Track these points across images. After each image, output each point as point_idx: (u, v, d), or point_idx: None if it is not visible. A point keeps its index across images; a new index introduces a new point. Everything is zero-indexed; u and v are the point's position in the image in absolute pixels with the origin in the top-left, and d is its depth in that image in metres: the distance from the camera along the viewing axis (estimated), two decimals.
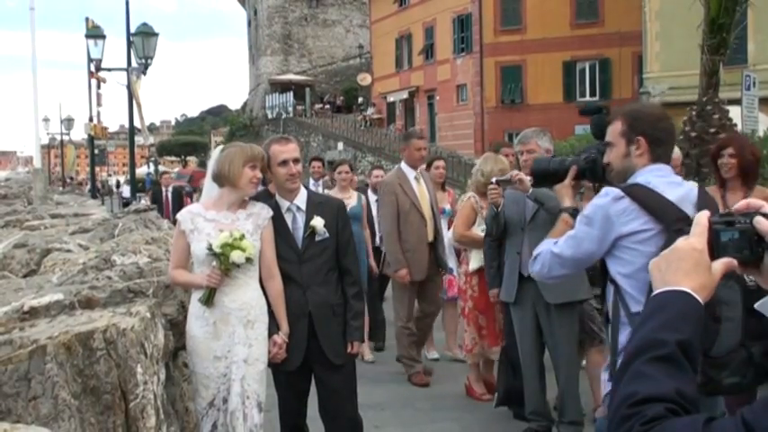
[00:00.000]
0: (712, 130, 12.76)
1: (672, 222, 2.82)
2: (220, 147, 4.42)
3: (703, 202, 2.98)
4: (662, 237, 2.85)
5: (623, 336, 2.94)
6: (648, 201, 2.91)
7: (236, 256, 3.95)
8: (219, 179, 4.14)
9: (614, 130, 3.13)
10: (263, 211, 4.23)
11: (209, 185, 4.33)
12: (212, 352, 4.01)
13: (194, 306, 4.09)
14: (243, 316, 4.08)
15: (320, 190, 9.56)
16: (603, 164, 3.23)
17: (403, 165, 7.33)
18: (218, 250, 3.95)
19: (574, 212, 3.34)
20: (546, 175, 3.58)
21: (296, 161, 4.33)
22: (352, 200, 8.17)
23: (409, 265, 7.08)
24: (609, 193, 3.00)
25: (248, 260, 4.02)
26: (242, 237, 4.00)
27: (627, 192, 2.96)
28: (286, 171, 4.29)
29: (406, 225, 7.09)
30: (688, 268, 1.49)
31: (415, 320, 7.41)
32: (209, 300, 4.01)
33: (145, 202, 14.98)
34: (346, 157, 39.46)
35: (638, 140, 3.04)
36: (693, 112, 13.13)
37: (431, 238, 7.16)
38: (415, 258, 7.09)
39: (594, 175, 3.35)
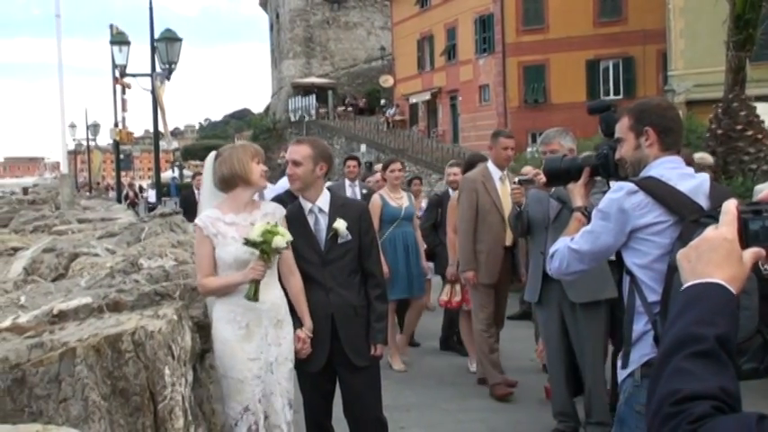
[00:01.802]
0: (739, 127, 12.65)
1: (687, 213, 2.87)
2: (212, 153, 4.35)
3: (716, 193, 3.01)
4: (676, 228, 2.89)
5: (639, 325, 2.99)
6: (662, 193, 2.95)
7: (279, 240, 3.92)
8: (232, 179, 4.10)
9: (622, 125, 3.19)
10: (278, 211, 4.26)
11: (209, 194, 4.28)
12: (246, 354, 4.00)
13: (222, 310, 4.07)
14: (273, 316, 4.11)
15: (356, 192, 9.11)
16: (615, 160, 3.28)
17: (489, 164, 6.99)
18: (258, 239, 3.89)
19: (585, 211, 3.39)
20: (558, 174, 3.61)
21: (295, 163, 4.31)
22: (404, 200, 7.98)
23: (480, 266, 6.77)
24: (623, 187, 3.04)
25: (287, 245, 4.00)
26: (276, 224, 4.00)
27: (640, 185, 3.00)
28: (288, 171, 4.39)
29: (483, 225, 6.75)
30: (719, 259, 1.46)
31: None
32: (255, 294, 3.96)
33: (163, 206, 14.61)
34: (369, 158, 39.60)
35: (647, 131, 3.09)
36: (719, 110, 13.01)
37: (509, 242, 6.81)
38: (489, 261, 6.76)
39: (607, 170, 3.40)
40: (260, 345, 4.05)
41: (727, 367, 1.34)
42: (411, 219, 8.01)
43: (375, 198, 8.00)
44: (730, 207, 1.53)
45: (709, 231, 1.51)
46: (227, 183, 4.13)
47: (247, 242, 3.94)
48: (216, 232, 4.05)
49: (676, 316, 1.42)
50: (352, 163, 9.74)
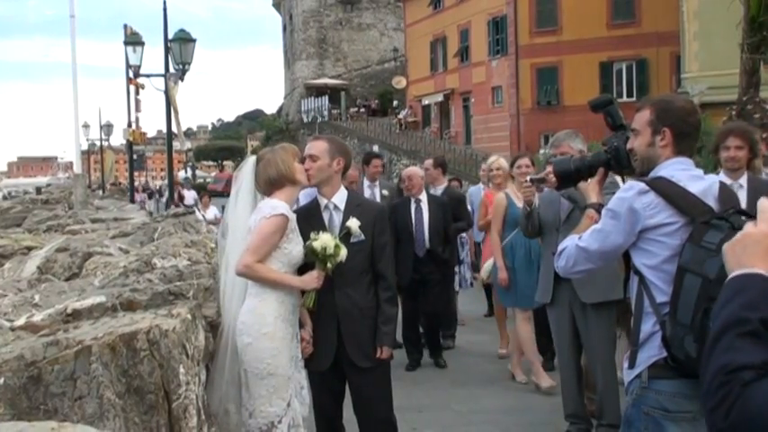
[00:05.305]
0: None
1: (697, 215, 2.84)
2: (253, 157, 4.39)
3: (725, 195, 3.00)
4: (687, 229, 2.86)
5: (647, 325, 2.96)
6: (673, 194, 2.93)
7: (343, 254, 4.05)
8: (279, 181, 4.15)
9: (642, 117, 3.14)
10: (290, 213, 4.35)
11: (250, 197, 4.26)
12: (290, 352, 4.08)
13: (279, 310, 4.04)
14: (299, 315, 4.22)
15: (375, 194, 8.52)
16: (627, 150, 3.22)
17: None
18: (330, 252, 4.01)
19: (600, 208, 3.33)
20: (569, 175, 3.54)
21: (312, 158, 4.34)
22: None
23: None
24: (633, 186, 3.02)
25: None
26: (338, 237, 4.10)
27: (651, 185, 2.98)
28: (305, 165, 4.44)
29: None
30: (762, 252, 1.66)
31: None
32: (315, 303, 4.09)
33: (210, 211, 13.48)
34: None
35: (664, 132, 3.05)
36: (733, 112, 12.99)
37: None
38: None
39: (620, 162, 3.33)
40: (296, 343, 4.16)
41: None
42: (517, 222, 6.92)
43: (500, 197, 7.24)
44: (765, 205, 1.73)
45: (750, 228, 1.72)
46: (274, 184, 4.17)
47: (314, 253, 4.01)
48: (294, 227, 4.11)
49: (725, 302, 1.64)
50: (377, 162, 8.91)
